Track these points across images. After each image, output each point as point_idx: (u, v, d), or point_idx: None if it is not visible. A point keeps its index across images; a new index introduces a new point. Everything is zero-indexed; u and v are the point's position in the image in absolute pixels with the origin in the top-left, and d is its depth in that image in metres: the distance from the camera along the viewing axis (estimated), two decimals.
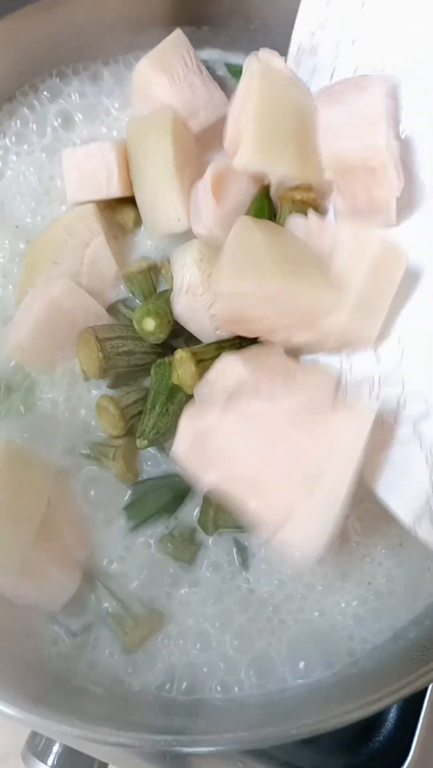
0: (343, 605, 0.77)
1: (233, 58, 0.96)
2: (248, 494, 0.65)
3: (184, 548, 0.78)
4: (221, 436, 0.66)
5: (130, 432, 0.79)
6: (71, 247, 0.84)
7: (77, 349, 0.79)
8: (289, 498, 0.63)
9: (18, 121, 0.93)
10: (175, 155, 0.81)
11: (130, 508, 0.79)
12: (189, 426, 0.67)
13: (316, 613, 0.76)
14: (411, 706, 0.76)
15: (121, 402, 0.78)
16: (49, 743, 0.79)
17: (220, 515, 0.77)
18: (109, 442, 0.80)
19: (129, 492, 0.80)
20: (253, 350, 0.72)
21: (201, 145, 0.87)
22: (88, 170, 0.86)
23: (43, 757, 0.78)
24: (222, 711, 0.71)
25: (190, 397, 0.78)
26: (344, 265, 0.71)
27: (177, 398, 0.78)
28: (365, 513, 0.78)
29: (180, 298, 0.79)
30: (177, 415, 0.75)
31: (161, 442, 0.79)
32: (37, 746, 0.79)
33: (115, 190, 0.86)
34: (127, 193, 0.87)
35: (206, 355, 0.76)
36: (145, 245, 0.89)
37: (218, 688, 0.74)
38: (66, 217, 0.85)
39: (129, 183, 0.87)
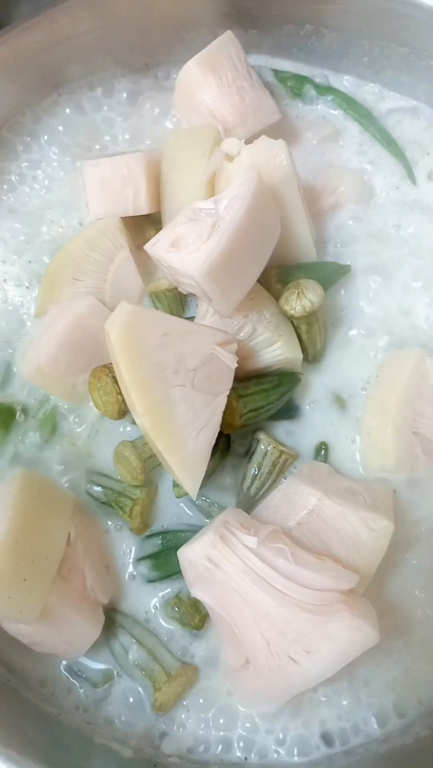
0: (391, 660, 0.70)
1: (282, 64, 0.91)
2: (225, 638, 0.66)
3: (193, 613, 0.71)
4: (231, 580, 0.64)
5: (149, 480, 0.74)
6: (94, 263, 0.78)
7: (90, 389, 0.72)
8: (255, 656, 0.64)
9: (43, 131, 0.88)
10: (210, 176, 0.77)
11: (155, 558, 0.73)
12: (208, 545, 0.65)
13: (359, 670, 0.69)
14: None
15: (144, 452, 0.71)
16: None
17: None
18: (126, 490, 0.74)
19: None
20: None
21: None
22: (112, 185, 0.80)
23: None
24: None
25: (228, 438, 0.73)
26: None
27: (218, 446, 0.71)
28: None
29: (205, 322, 0.73)
30: (217, 462, 0.72)
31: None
32: None
33: (143, 207, 0.81)
34: (155, 210, 0.81)
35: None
36: None
37: (254, 754, 0.68)
38: (89, 231, 0.79)
39: (157, 199, 0.81)
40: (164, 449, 0.63)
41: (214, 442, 0.65)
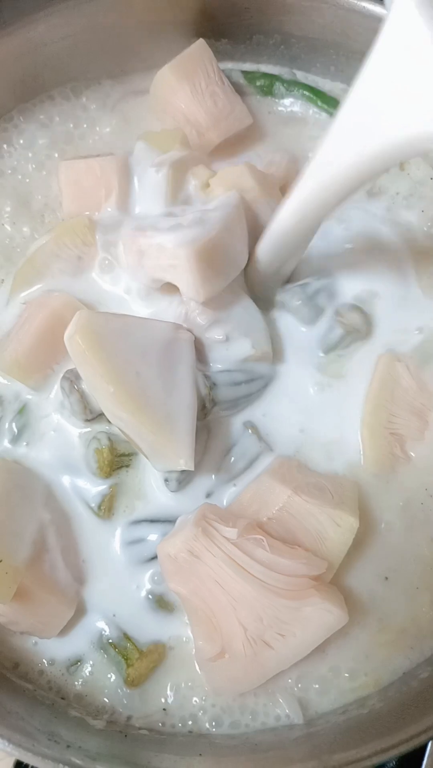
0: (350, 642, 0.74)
1: (250, 66, 0.96)
2: (199, 629, 0.69)
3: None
4: (212, 570, 0.67)
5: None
6: (64, 260, 0.82)
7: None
8: (232, 643, 0.67)
9: (28, 128, 0.92)
10: (172, 179, 0.81)
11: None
12: (190, 538, 0.67)
13: (323, 652, 0.72)
14: None
15: (118, 449, 0.76)
16: None
17: None
18: (97, 486, 0.77)
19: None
20: None
21: (217, 154, 0.88)
22: (86, 185, 0.84)
23: None
24: (224, 750, 0.68)
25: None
26: None
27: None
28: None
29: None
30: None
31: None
32: None
33: (113, 208, 0.84)
34: (124, 211, 0.84)
35: None
36: None
37: (220, 725, 0.71)
38: (60, 229, 0.83)
39: (126, 200, 0.85)
40: (152, 428, 0.66)
41: (195, 417, 0.69)
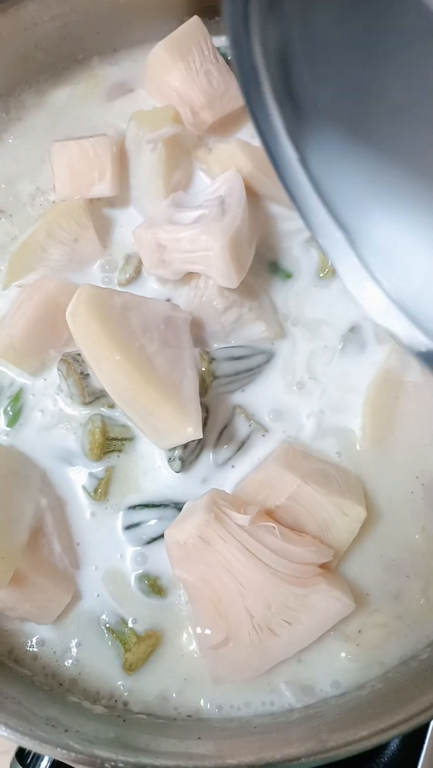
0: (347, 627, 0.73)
1: None
2: (203, 616, 0.68)
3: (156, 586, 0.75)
4: (222, 557, 0.66)
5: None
6: (59, 242, 0.81)
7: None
8: (237, 631, 0.66)
9: (18, 112, 0.90)
10: (167, 157, 0.80)
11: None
12: (202, 524, 0.66)
13: (321, 637, 0.70)
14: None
15: (111, 432, 0.76)
16: (39, 756, 0.75)
17: None
18: (92, 470, 0.77)
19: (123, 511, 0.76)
20: None
21: (213, 132, 0.86)
22: (79, 167, 0.83)
23: None
24: (223, 733, 0.67)
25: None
26: None
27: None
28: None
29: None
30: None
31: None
32: (26, 758, 0.75)
33: (106, 190, 0.83)
34: (118, 192, 0.84)
35: None
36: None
37: (219, 709, 0.70)
38: (54, 212, 0.82)
39: (123, 181, 0.84)
40: (158, 397, 0.66)
41: (198, 389, 0.69)
